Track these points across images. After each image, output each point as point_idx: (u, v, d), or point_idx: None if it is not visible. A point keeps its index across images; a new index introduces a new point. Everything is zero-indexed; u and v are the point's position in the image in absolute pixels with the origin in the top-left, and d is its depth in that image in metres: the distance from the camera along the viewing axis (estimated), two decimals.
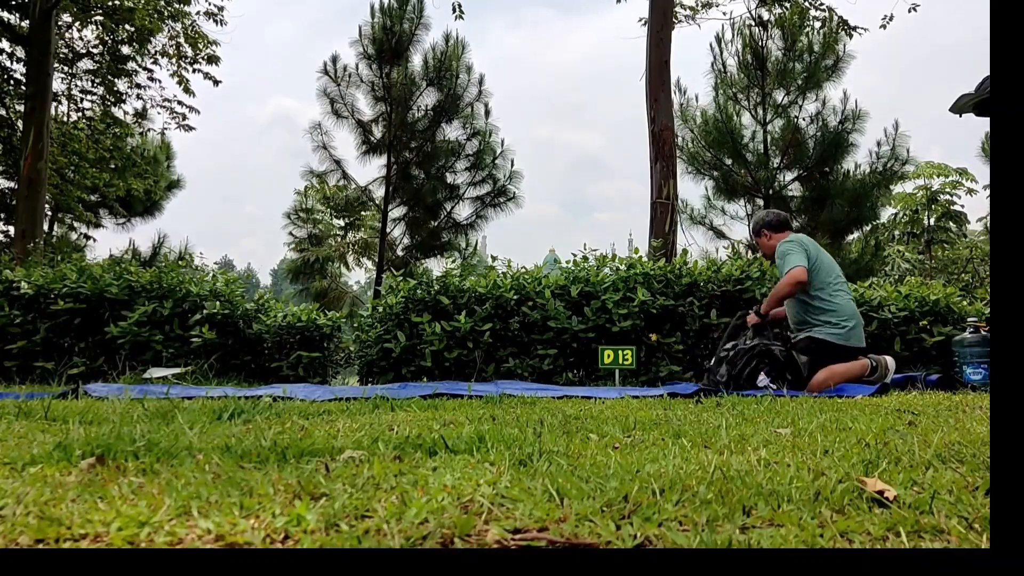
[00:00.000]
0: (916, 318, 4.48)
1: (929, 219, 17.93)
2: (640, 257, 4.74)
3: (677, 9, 9.62)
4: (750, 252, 9.06)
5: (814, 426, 1.69)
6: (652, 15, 7.91)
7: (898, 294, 4.63)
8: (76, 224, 14.13)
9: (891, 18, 9.61)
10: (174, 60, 10.67)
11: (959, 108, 2.46)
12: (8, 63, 10.59)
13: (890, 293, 4.65)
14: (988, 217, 17.15)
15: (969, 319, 4.22)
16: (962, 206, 18.20)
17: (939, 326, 4.44)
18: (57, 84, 10.71)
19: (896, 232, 18.04)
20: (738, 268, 4.56)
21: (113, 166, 11.98)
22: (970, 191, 17.82)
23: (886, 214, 16.51)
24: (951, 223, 17.95)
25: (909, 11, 9.40)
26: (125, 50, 10.84)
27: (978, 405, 2.26)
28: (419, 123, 10.03)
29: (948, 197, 17.97)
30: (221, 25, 10.50)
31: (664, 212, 7.34)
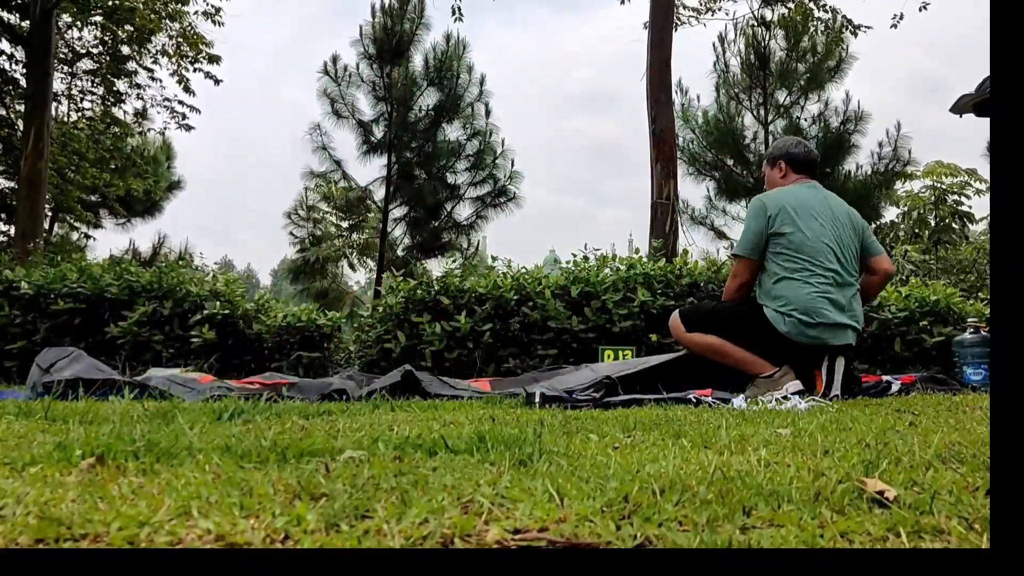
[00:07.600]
0: (916, 318, 4.47)
1: (936, 219, 17.65)
2: (640, 257, 4.74)
3: (680, 10, 9.59)
4: None
5: (814, 426, 1.69)
6: (653, 14, 7.89)
7: (898, 294, 4.63)
8: (77, 224, 14.13)
9: (901, 17, 9.56)
10: (174, 59, 10.66)
11: (959, 108, 2.46)
12: (8, 64, 10.59)
13: (890, 293, 4.65)
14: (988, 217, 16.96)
15: (969, 319, 4.21)
16: (970, 207, 17.98)
17: (939, 326, 4.44)
18: (57, 84, 10.71)
19: (901, 232, 17.83)
20: None
21: (113, 166, 11.97)
22: (978, 192, 17.59)
23: (892, 214, 16.37)
24: (957, 222, 17.64)
25: (920, 9, 9.35)
26: (125, 50, 10.82)
27: (978, 405, 2.26)
28: (420, 123, 10.03)
29: (956, 198, 17.73)
30: (219, 26, 10.50)
31: (664, 212, 7.34)
